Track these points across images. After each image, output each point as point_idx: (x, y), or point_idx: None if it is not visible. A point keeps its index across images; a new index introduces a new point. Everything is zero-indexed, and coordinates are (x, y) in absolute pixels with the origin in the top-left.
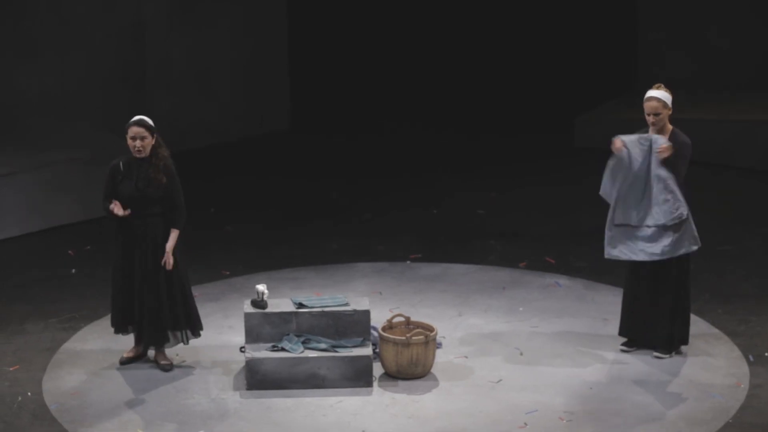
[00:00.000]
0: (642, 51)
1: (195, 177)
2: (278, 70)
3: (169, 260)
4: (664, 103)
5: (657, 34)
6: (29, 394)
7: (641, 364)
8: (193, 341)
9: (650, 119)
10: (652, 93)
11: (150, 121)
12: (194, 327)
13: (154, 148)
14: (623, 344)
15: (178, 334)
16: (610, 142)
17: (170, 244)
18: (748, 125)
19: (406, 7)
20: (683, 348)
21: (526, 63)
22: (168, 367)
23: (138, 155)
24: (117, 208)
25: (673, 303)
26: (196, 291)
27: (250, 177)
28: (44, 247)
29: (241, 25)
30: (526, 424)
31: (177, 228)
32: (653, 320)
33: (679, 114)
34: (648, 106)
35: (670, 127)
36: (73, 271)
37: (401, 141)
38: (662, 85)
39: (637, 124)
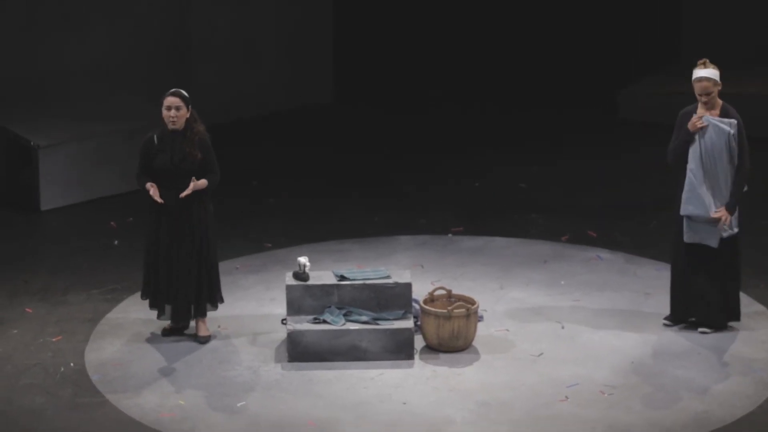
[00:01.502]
0: (686, 24)
1: (238, 147)
2: (323, 41)
3: (187, 191)
4: (714, 81)
5: (701, 6)
6: (72, 364)
7: (683, 339)
8: (236, 314)
9: (702, 99)
10: (701, 73)
11: (185, 93)
12: (214, 299)
13: (189, 122)
14: (666, 318)
15: (202, 306)
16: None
17: (198, 183)
18: None
19: None
20: (734, 324)
21: (569, 38)
22: (205, 340)
23: (172, 125)
24: (153, 191)
25: (721, 279)
26: (238, 263)
27: (292, 148)
28: (87, 218)
29: None
30: (567, 397)
31: (209, 182)
32: (701, 296)
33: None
34: (699, 86)
35: (720, 102)
36: (116, 242)
37: (444, 115)
38: (707, 61)
39: (679, 98)
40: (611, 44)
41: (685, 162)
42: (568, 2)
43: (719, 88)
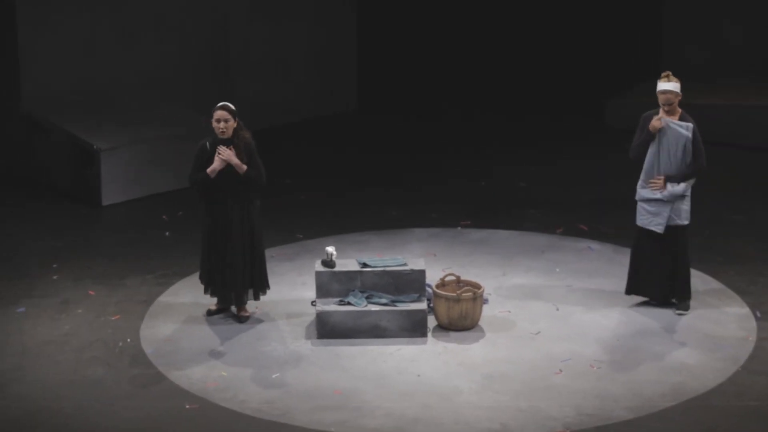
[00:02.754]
0: (666, 42)
1: (273, 151)
2: (348, 57)
3: (229, 156)
4: (676, 93)
5: (679, 24)
6: (129, 340)
7: (662, 319)
8: (270, 297)
9: (665, 108)
10: (665, 86)
11: (232, 106)
12: (262, 287)
13: (236, 130)
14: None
15: (250, 292)
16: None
17: (241, 164)
18: (759, 108)
19: (461, 6)
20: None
21: (563, 54)
22: (245, 319)
23: (222, 136)
24: (213, 166)
25: (673, 263)
26: (275, 252)
27: (322, 151)
28: (142, 212)
29: (315, 15)
30: (561, 370)
31: (249, 170)
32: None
33: (695, 99)
34: (663, 98)
35: (679, 110)
36: (167, 233)
37: (454, 121)
38: (671, 74)
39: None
40: (599, 60)
41: (645, 157)
42: (562, 26)
43: (679, 98)
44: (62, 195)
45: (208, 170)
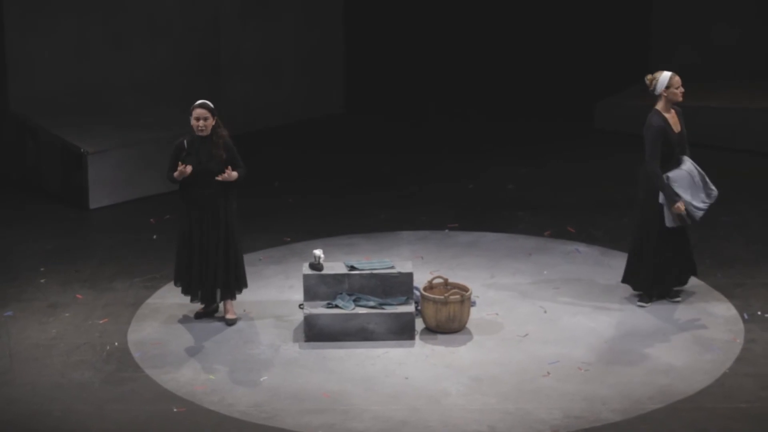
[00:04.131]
0: (654, 46)
1: (261, 153)
2: (336, 60)
3: (232, 175)
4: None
5: (668, 26)
6: (116, 343)
7: (650, 321)
8: (258, 299)
9: (680, 98)
10: (676, 77)
11: (211, 105)
12: (240, 285)
13: (214, 128)
14: (640, 299)
15: (230, 290)
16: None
17: (232, 173)
18: (749, 112)
19: (446, 9)
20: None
21: (553, 58)
22: (232, 322)
23: (200, 134)
24: (181, 168)
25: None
26: (262, 254)
27: (310, 154)
28: (130, 216)
29: (304, 20)
30: (549, 372)
31: (239, 174)
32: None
33: (684, 101)
34: (680, 90)
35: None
36: (155, 236)
37: (442, 124)
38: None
39: (646, 110)
40: (589, 62)
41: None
42: (551, 28)
43: None
44: (51, 198)
45: (175, 174)
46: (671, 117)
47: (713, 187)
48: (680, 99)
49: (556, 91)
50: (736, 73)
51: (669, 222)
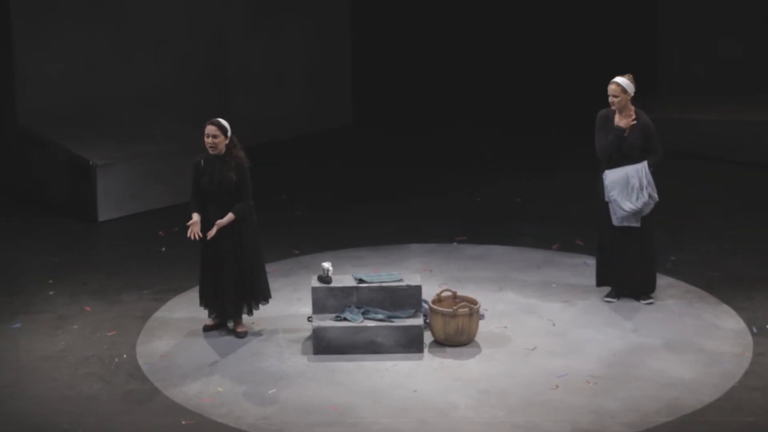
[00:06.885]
0: (662, 60)
1: (269, 165)
2: (343, 73)
3: (211, 232)
4: (623, 88)
5: (675, 39)
6: (125, 356)
7: (658, 334)
8: (267, 312)
9: (610, 99)
10: (615, 79)
11: (224, 123)
12: (258, 298)
13: (229, 148)
14: (607, 295)
15: (246, 305)
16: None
17: (221, 221)
18: (753, 124)
19: (454, 23)
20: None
21: (560, 68)
22: (243, 335)
23: (211, 151)
24: (191, 229)
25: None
26: (270, 267)
27: (317, 166)
28: (139, 228)
29: (310, 33)
30: (557, 386)
31: (235, 214)
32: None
33: (690, 114)
34: (609, 89)
35: (632, 107)
36: (163, 249)
37: (451, 136)
38: (631, 76)
39: (655, 123)
40: (596, 76)
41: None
42: (558, 40)
43: (628, 97)
44: (59, 210)
45: (187, 233)
46: (621, 118)
47: (649, 197)
48: (611, 105)
49: (565, 104)
50: (742, 85)
51: (615, 221)
